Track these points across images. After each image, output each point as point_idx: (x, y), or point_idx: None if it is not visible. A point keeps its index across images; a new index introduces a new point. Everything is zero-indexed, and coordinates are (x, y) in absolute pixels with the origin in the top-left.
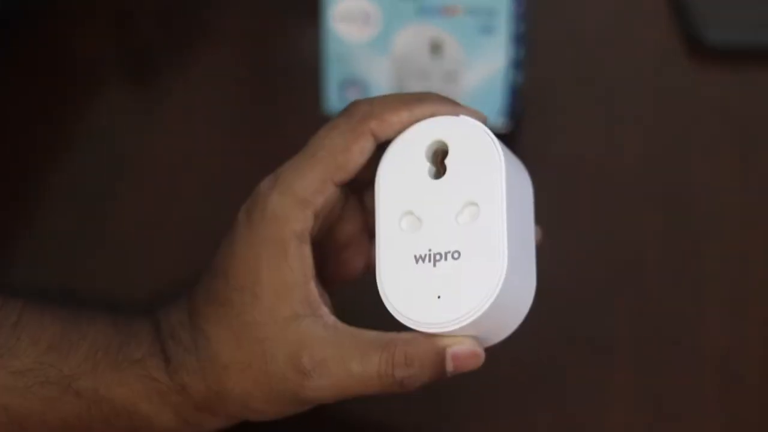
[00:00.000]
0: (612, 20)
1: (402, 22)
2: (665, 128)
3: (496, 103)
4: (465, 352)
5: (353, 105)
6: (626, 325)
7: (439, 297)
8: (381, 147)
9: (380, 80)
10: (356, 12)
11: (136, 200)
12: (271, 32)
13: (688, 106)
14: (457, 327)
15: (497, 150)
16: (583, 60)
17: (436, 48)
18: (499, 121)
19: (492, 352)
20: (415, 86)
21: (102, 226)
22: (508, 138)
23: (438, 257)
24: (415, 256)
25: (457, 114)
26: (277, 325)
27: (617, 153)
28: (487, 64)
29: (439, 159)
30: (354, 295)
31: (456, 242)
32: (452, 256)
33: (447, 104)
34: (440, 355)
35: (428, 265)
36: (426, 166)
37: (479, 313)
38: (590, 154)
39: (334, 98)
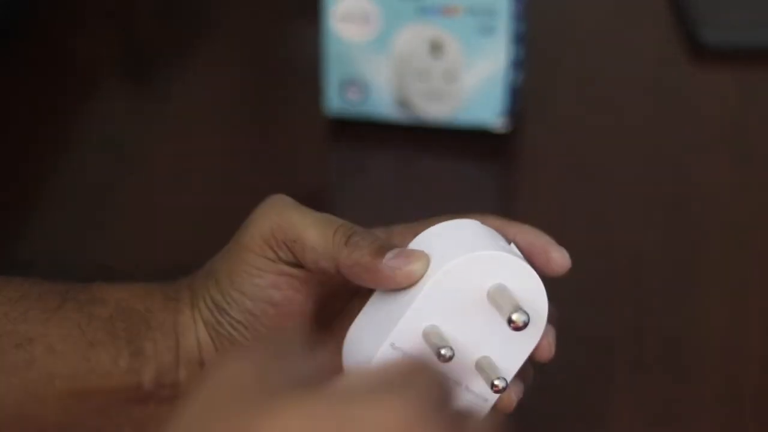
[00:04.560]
0: (612, 21)
1: (402, 22)
2: (664, 128)
3: (495, 103)
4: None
5: None
6: (626, 325)
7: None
8: None
9: (380, 80)
10: (356, 12)
11: (137, 200)
12: (271, 32)
13: (687, 106)
14: None
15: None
16: (583, 60)
17: (436, 48)
18: (499, 121)
19: None
20: (416, 86)
21: (102, 226)
22: (508, 138)
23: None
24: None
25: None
26: None
27: (616, 153)
28: (487, 64)
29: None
30: None
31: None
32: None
33: None
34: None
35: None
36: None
37: None
38: (589, 153)
39: (334, 98)
